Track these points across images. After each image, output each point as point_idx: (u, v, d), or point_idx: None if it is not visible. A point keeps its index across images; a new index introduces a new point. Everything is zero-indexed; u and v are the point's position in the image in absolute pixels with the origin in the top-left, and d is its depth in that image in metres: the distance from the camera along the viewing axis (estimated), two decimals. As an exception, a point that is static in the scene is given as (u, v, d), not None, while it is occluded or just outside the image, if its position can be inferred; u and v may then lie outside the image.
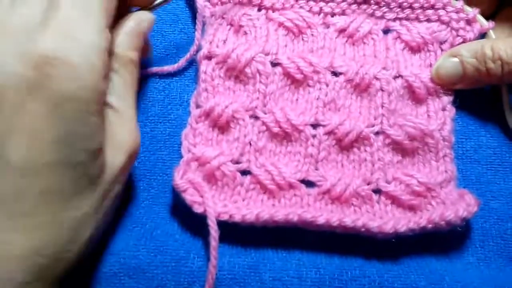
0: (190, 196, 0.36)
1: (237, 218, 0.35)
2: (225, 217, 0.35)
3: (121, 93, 0.34)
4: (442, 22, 0.41)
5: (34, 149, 0.28)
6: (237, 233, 0.37)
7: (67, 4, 0.30)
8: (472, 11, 0.41)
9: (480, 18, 0.41)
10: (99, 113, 0.30)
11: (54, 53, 0.28)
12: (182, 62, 0.41)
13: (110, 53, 0.32)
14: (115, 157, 0.32)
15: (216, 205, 0.36)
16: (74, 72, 0.28)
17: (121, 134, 0.33)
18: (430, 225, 0.35)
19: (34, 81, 0.27)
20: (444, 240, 0.38)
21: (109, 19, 0.31)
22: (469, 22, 0.41)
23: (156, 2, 0.38)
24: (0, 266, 0.27)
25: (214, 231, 0.34)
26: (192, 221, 0.37)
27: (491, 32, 0.40)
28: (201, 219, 0.36)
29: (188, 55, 0.41)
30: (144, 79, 0.41)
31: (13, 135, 0.27)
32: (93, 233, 0.32)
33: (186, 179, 0.36)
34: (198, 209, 0.35)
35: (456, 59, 0.39)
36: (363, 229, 0.35)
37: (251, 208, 0.36)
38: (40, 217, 0.28)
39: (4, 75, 0.27)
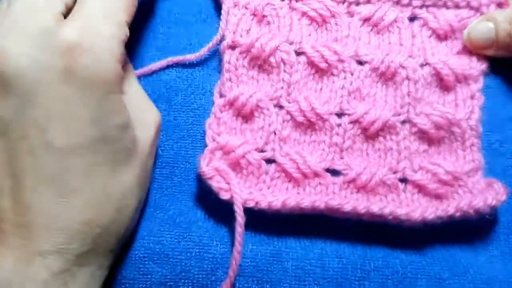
0: (216, 183, 0.36)
1: (263, 205, 0.35)
2: (251, 204, 0.35)
3: (130, 81, 0.37)
4: (472, 8, 0.40)
5: (73, 131, 0.30)
6: (260, 221, 0.37)
7: (92, 1, 0.33)
8: (502, -6, 0.40)
9: (512, 1, 0.40)
10: (121, 92, 0.33)
11: (79, 43, 0.30)
12: (204, 50, 0.41)
13: None
14: (144, 133, 0.35)
15: (242, 192, 0.36)
16: (98, 58, 0.31)
17: (143, 112, 0.36)
18: (458, 213, 0.35)
19: (64, 69, 0.30)
20: (469, 232, 0.37)
21: (129, 17, 0.34)
22: (500, 5, 0.40)
23: None
24: (57, 237, 0.30)
25: (240, 217, 0.34)
26: (215, 209, 0.37)
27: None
28: (224, 207, 0.36)
29: (210, 44, 0.41)
30: (167, 69, 0.42)
31: (52, 121, 0.30)
32: (137, 205, 0.34)
33: (212, 166, 0.37)
34: (224, 195, 0.35)
35: (490, 23, 0.39)
36: (390, 217, 0.35)
37: (276, 195, 0.36)
38: (88, 191, 0.31)
39: (37, 68, 0.30)
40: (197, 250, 0.36)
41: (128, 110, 0.35)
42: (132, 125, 0.34)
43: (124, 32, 0.33)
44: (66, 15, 0.33)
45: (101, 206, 0.31)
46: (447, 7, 0.41)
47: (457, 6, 0.40)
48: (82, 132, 0.30)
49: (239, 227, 0.33)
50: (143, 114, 0.36)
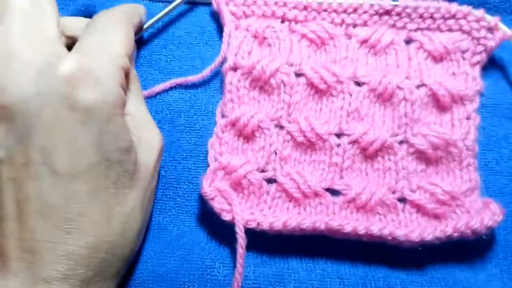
0: (218, 204, 0.36)
1: (265, 225, 0.36)
2: (252, 224, 0.36)
3: (136, 103, 0.37)
4: (464, 32, 0.42)
5: (76, 156, 0.31)
6: (262, 242, 0.37)
7: (90, 34, 0.34)
8: (493, 19, 0.41)
9: (502, 26, 0.41)
10: (122, 115, 0.34)
11: (80, 72, 0.32)
12: (206, 72, 0.42)
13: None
14: (147, 155, 0.36)
15: (244, 212, 0.36)
16: (98, 85, 0.32)
17: (146, 135, 0.37)
18: (455, 234, 0.35)
19: (66, 97, 0.31)
20: (467, 251, 0.38)
21: (127, 48, 0.36)
22: (490, 30, 0.41)
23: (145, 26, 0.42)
24: (62, 264, 0.30)
25: (241, 239, 0.34)
26: (218, 230, 0.38)
27: (514, 40, 0.41)
28: (227, 227, 0.36)
29: (212, 66, 0.42)
30: (170, 90, 0.43)
31: (56, 147, 0.30)
32: (141, 228, 0.35)
33: (214, 187, 0.37)
34: (226, 216, 0.36)
35: None
36: (389, 238, 0.35)
37: (277, 216, 0.37)
38: (91, 215, 0.31)
39: (39, 97, 0.30)
40: (200, 273, 0.36)
41: (132, 133, 0.36)
42: (135, 148, 0.34)
43: (125, 62, 0.34)
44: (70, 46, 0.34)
45: (105, 230, 0.31)
46: (441, 31, 0.42)
47: (450, 30, 0.42)
48: (85, 157, 0.31)
49: (240, 249, 0.34)
50: (147, 136, 0.37)
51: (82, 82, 0.31)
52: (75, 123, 0.31)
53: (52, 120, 0.30)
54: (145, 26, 0.43)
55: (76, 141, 0.31)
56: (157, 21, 0.43)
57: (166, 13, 0.43)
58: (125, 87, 0.35)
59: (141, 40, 0.44)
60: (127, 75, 0.36)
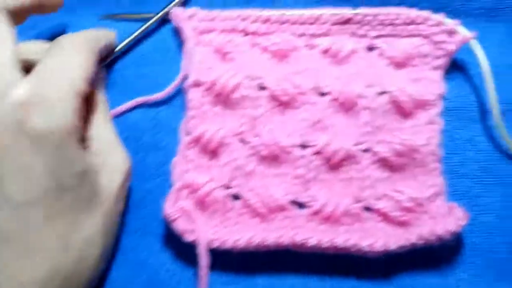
0: (181, 225, 0.36)
1: (228, 244, 0.36)
2: (216, 244, 0.36)
3: (102, 126, 0.38)
4: (424, 37, 0.42)
5: (29, 183, 0.31)
6: (228, 260, 0.37)
7: (48, 58, 0.34)
8: (453, 23, 0.41)
9: (462, 29, 0.41)
10: (76, 141, 0.33)
11: (31, 98, 0.31)
12: (169, 89, 0.42)
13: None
14: (111, 178, 0.36)
15: (207, 232, 0.36)
16: (50, 111, 0.31)
17: (112, 157, 0.37)
18: (420, 241, 0.36)
19: (18, 121, 0.31)
20: (435, 257, 0.38)
21: (86, 73, 0.35)
22: (450, 33, 0.41)
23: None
24: None
25: (204, 260, 0.34)
26: (184, 250, 0.38)
27: (474, 42, 0.41)
28: (193, 247, 0.36)
29: (175, 83, 0.42)
30: (134, 109, 0.42)
31: (9, 174, 0.30)
32: (102, 254, 0.34)
33: (177, 207, 0.37)
34: (189, 237, 0.36)
35: None
36: (354, 249, 0.35)
37: (242, 232, 0.37)
38: (48, 243, 0.31)
39: None
40: (165, 296, 0.36)
41: (94, 156, 0.36)
42: (94, 172, 0.34)
43: (81, 86, 0.34)
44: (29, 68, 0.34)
45: (62, 258, 0.31)
46: (402, 36, 0.42)
47: (411, 35, 0.42)
48: (39, 184, 0.31)
49: (203, 271, 0.34)
50: (112, 160, 0.36)
51: (34, 108, 0.31)
52: (27, 150, 0.31)
53: (3, 147, 0.30)
54: (117, 49, 0.43)
55: (28, 168, 0.30)
56: (130, 42, 0.43)
57: (140, 34, 0.43)
58: (83, 112, 0.34)
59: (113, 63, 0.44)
60: (90, 99, 0.36)
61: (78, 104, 0.33)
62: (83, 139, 0.37)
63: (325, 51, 0.42)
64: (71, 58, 0.35)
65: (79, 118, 0.34)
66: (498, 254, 0.39)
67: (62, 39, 0.36)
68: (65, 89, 0.33)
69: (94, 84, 0.39)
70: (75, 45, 0.36)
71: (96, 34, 0.40)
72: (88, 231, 0.33)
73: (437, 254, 0.38)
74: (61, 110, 0.32)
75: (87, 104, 0.38)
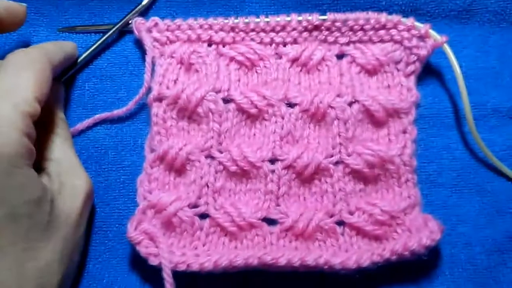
0: (145, 249, 0.35)
1: (195, 267, 0.34)
2: (182, 267, 0.34)
3: (62, 147, 0.36)
4: (395, 42, 0.40)
5: None
6: (198, 280, 0.35)
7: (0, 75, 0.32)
8: (424, 27, 0.40)
9: (433, 33, 0.40)
10: (28, 166, 0.32)
11: None
12: (131, 105, 0.40)
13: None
14: (70, 203, 0.34)
15: (174, 254, 0.35)
16: None
17: (71, 181, 0.35)
18: (394, 256, 0.34)
19: None
20: (413, 270, 0.37)
21: (40, 92, 0.33)
22: (422, 38, 0.40)
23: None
24: None
25: (169, 285, 0.32)
26: (151, 272, 0.36)
27: (446, 46, 0.40)
28: (159, 269, 0.34)
29: (137, 98, 0.40)
30: (95, 127, 0.40)
31: None
32: (61, 281, 0.33)
33: (140, 229, 0.35)
34: (154, 261, 0.34)
35: None
36: (325, 267, 0.34)
37: (211, 253, 0.35)
38: (1, 272, 0.29)
39: None
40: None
41: (52, 180, 0.34)
42: (51, 197, 0.32)
43: (32, 107, 0.32)
44: None
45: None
46: (373, 42, 0.40)
47: (382, 41, 0.40)
48: None
49: (169, 296, 0.32)
50: (71, 183, 0.35)
51: None
52: None
53: None
54: (78, 60, 0.41)
55: None
56: (91, 54, 0.41)
57: (99, 46, 0.41)
58: (33, 135, 0.32)
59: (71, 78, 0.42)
60: (47, 117, 0.34)
61: (28, 126, 0.32)
62: (40, 162, 0.35)
63: (295, 60, 0.41)
64: (21, 77, 0.33)
65: (31, 140, 0.32)
66: (477, 264, 0.38)
67: (14, 56, 0.34)
68: (13, 112, 0.31)
69: (50, 101, 0.37)
70: (27, 62, 0.34)
71: (53, 48, 0.37)
72: (45, 259, 0.31)
73: (414, 267, 0.37)
74: (8, 135, 0.30)
75: (44, 123, 0.36)
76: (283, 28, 0.41)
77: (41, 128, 0.35)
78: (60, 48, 0.38)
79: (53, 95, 0.37)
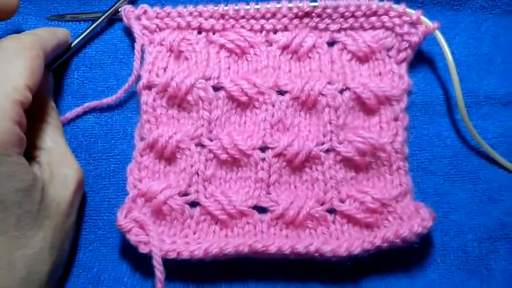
0: (135, 236, 0.34)
1: (185, 255, 0.34)
2: (172, 254, 0.34)
3: (53, 137, 0.36)
4: (387, 28, 0.40)
5: None
6: (191, 268, 0.35)
7: None
8: (415, 13, 0.39)
9: (424, 19, 0.39)
10: (18, 154, 0.31)
11: None
12: (120, 93, 0.40)
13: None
14: (62, 191, 0.34)
15: (164, 242, 0.34)
16: None
17: (62, 170, 0.35)
18: (385, 244, 0.34)
19: None
20: (404, 258, 0.37)
21: (31, 80, 0.33)
22: (413, 24, 0.40)
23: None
24: None
25: (159, 272, 0.32)
26: (141, 260, 0.36)
27: (438, 33, 0.39)
28: (150, 257, 0.34)
29: (126, 86, 0.40)
30: (84, 115, 0.40)
31: None
32: (51, 269, 0.33)
33: (130, 218, 0.35)
34: (144, 249, 0.34)
35: None
36: (316, 254, 0.34)
37: (201, 242, 0.35)
38: None
39: None
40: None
41: (43, 169, 0.34)
42: (41, 186, 0.32)
43: (23, 95, 0.32)
44: None
45: (6, 276, 0.29)
46: (364, 29, 0.40)
47: (373, 27, 0.40)
48: None
49: (159, 283, 0.32)
50: (62, 172, 0.35)
51: None
52: None
53: None
54: (72, 45, 0.40)
55: None
56: (80, 42, 0.40)
57: (88, 34, 0.40)
58: (24, 123, 0.32)
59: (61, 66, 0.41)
60: (38, 106, 0.34)
61: (18, 114, 0.31)
62: (30, 151, 0.35)
63: (285, 47, 0.40)
64: (12, 65, 0.32)
65: (22, 129, 0.32)
66: (469, 252, 0.37)
67: (3, 43, 0.34)
68: (3, 101, 0.30)
69: (41, 90, 0.36)
70: (19, 49, 0.33)
71: (46, 34, 0.37)
72: (36, 247, 0.31)
73: (406, 255, 0.37)
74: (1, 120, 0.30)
75: (35, 112, 0.35)
76: (274, 15, 0.40)
77: (31, 116, 0.34)
78: (53, 34, 0.38)
79: (44, 83, 0.37)
